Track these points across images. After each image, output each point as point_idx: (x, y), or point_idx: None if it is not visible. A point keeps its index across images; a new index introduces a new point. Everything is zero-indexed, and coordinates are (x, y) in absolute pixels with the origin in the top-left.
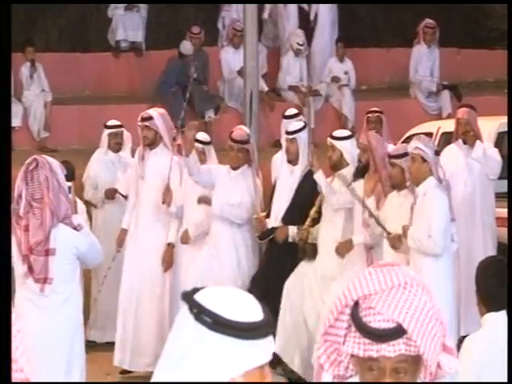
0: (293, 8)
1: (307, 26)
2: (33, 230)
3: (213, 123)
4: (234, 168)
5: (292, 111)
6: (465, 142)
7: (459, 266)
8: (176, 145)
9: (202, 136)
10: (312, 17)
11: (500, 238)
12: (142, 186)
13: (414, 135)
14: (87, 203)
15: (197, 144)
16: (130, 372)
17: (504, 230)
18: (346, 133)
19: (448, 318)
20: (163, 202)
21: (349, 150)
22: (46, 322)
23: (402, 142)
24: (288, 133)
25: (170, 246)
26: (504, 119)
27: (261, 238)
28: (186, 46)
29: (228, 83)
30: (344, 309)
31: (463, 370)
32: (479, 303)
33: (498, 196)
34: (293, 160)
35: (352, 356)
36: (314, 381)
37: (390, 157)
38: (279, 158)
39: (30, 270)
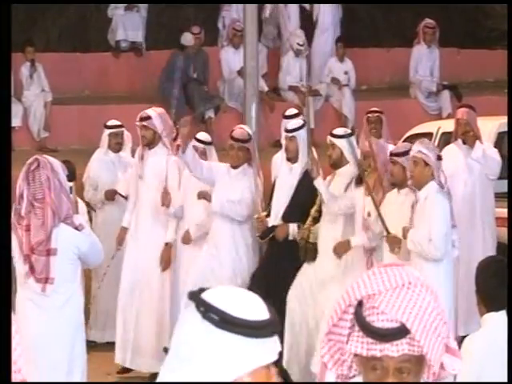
0: (294, 7)
1: (308, 25)
2: (34, 229)
3: (213, 123)
4: (234, 167)
5: (292, 111)
6: (464, 142)
7: (459, 265)
8: (176, 145)
9: (203, 136)
10: (315, 17)
11: (500, 238)
12: (142, 186)
13: (414, 135)
14: (87, 205)
15: (198, 144)
16: (128, 371)
17: (504, 230)
18: (346, 131)
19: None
20: (162, 205)
21: (348, 148)
22: (47, 322)
23: (403, 142)
24: (287, 131)
25: (168, 246)
26: (504, 119)
27: (261, 238)
28: (187, 38)
29: (228, 83)
30: (348, 308)
31: (463, 370)
32: (479, 303)
33: (498, 196)
34: (292, 158)
35: (355, 355)
36: (318, 380)
37: (392, 155)
38: (279, 158)
39: (32, 269)
